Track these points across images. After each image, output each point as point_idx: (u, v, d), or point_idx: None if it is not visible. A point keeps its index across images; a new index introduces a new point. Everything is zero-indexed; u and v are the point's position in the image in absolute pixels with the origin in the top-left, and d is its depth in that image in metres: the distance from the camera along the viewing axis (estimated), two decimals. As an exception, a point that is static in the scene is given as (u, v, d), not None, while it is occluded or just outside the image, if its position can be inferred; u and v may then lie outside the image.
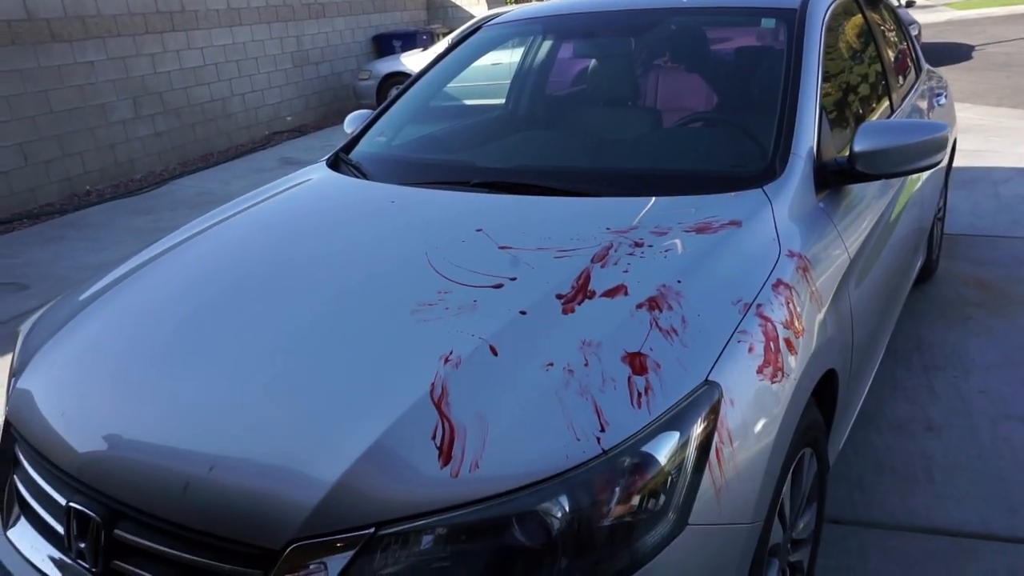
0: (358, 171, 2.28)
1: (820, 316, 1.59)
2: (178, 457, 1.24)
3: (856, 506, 2.20)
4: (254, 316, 1.50)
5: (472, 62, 2.80)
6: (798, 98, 1.98)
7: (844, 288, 1.77)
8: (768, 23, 2.29)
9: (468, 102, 3.36)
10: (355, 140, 2.57)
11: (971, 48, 12.39)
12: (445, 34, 11.77)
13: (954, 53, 12.04)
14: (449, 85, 2.81)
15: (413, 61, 10.15)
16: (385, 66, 10.39)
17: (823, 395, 1.72)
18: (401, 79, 10.13)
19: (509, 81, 3.08)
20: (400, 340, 1.34)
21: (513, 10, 3.00)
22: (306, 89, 10.57)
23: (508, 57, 3.23)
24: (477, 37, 2.83)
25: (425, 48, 10.74)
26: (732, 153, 2.00)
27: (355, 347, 1.34)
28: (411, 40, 11.78)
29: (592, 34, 2.69)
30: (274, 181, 2.39)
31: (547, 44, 2.92)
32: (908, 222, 2.58)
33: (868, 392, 2.32)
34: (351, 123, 2.81)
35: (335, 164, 2.42)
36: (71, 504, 1.29)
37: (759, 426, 1.29)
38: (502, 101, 3.07)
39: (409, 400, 1.20)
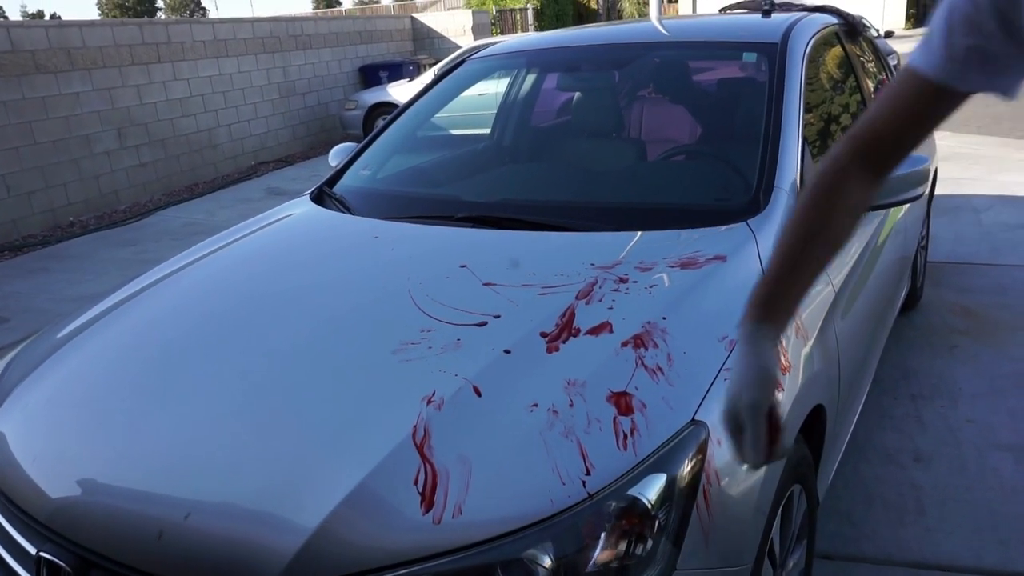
0: (342, 205, 2.27)
1: (806, 351, 1.58)
2: (153, 503, 1.21)
3: (846, 540, 2.17)
4: (233, 356, 1.47)
5: (456, 95, 2.81)
6: (780, 131, 1.99)
7: (830, 321, 1.77)
8: (750, 57, 2.31)
9: (454, 132, 3.37)
10: (339, 173, 2.56)
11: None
12: (431, 65, 11.87)
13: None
14: (435, 116, 2.81)
15: (399, 92, 10.21)
16: (372, 96, 10.45)
17: (811, 430, 1.71)
18: (388, 109, 10.18)
19: (495, 111, 3.09)
20: (382, 381, 1.31)
21: (498, 43, 3.02)
22: (292, 119, 10.60)
23: (495, 87, 3.24)
24: (462, 70, 2.84)
25: (411, 79, 10.82)
26: (716, 187, 2.00)
27: (336, 388, 1.31)
28: (398, 71, 11.86)
29: (576, 68, 2.71)
30: (257, 216, 2.37)
31: (531, 77, 2.93)
32: (892, 251, 2.59)
33: (856, 423, 2.31)
34: (336, 156, 2.80)
35: (319, 198, 2.40)
36: (41, 553, 1.25)
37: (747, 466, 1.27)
38: (488, 131, 3.07)
39: (390, 444, 1.17)
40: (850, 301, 1.96)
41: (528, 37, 3.09)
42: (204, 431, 1.30)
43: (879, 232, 2.38)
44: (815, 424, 1.69)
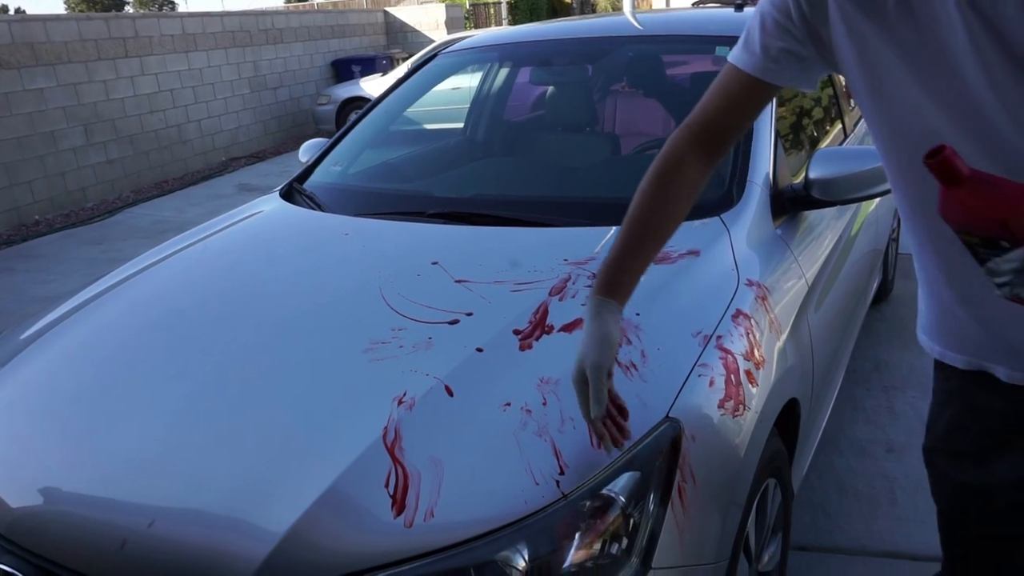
0: (312, 202, 2.23)
1: (780, 345, 1.58)
2: (116, 511, 1.17)
3: (821, 532, 2.19)
4: (199, 357, 1.44)
5: (428, 90, 2.78)
6: (754, 125, 1.98)
7: (803, 315, 1.77)
8: (723, 51, 2.31)
9: (427, 126, 3.34)
10: (310, 169, 2.52)
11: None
12: (405, 59, 11.79)
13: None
14: (407, 110, 2.78)
15: (372, 86, 10.12)
16: (344, 91, 10.35)
17: (785, 423, 1.71)
18: (360, 104, 10.09)
19: (468, 105, 3.06)
20: (352, 381, 1.29)
21: (470, 37, 3.00)
22: (264, 115, 10.47)
23: (468, 81, 3.21)
24: (433, 65, 2.81)
25: (385, 73, 10.74)
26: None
27: (305, 389, 1.29)
28: (370, 65, 11.77)
29: (549, 62, 2.69)
30: (225, 213, 2.33)
31: (504, 71, 2.91)
32: (864, 244, 2.61)
33: (829, 415, 2.32)
34: (306, 152, 2.76)
35: (289, 195, 2.36)
36: (0, 565, 1.21)
37: (722, 461, 1.27)
38: (461, 125, 3.05)
39: (361, 446, 1.15)
40: (823, 295, 1.97)
41: (501, 31, 3.07)
42: (169, 435, 1.27)
43: (851, 225, 2.39)
44: (789, 418, 1.70)
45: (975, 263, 0.92)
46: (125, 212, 7.17)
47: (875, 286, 3.18)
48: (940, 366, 1.19)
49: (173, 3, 61.50)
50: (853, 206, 2.44)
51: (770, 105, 2.06)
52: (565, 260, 1.60)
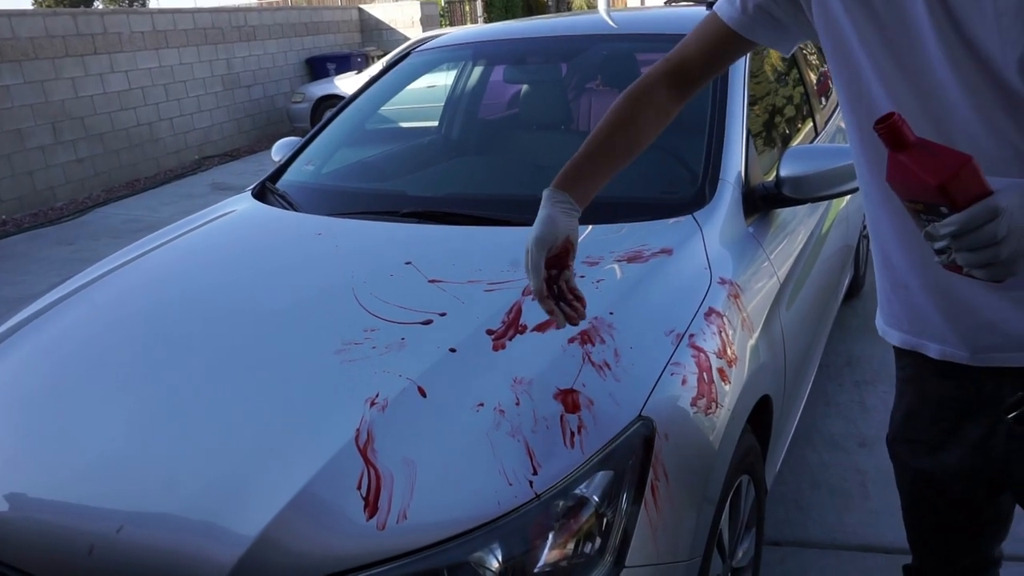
0: (285, 201, 2.21)
1: (752, 342, 1.59)
2: (83, 516, 1.16)
3: (794, 526, 2.21)
4: (168, 359, 1.42)
5: (401, 89, 2.76)
6: (725, 123, 2.00)
7: (775, 312, 1.78)
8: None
9: (402, 124, 3.32)
10: (283, 168, 2.50)
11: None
12: (380, 56, 11.73)
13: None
14: (381, 108, 2.76)
15: (347, 84, 10.06)
16: (319, 89, 10.28)
17: (758, 420, 1.72)
18: (335, 102, 10.02)
19: (442, 103, 3.05)
20: (324, 382, 1.28)
21: (444, 35, 2.99)
22: (237, 112, 10.37)
23: (443, 79, 3.20)
24: (407, 63, 2.80)
25: (360, 71, 10.68)
26: (662, 180, 2.00)
27: (277, 391, 1.28)
28: (345, 63, 11.68)
29: (523, 60, 2.68)
30: (196, 213, 2.30)
31: (478, 70, 2.90)
32: (835, 240, 2.64)
33: (802, 410, 2.35)
34: (279, 151, 2.74)
35: (261, 194, 2.34)
36: (-36, 574, 1.19)
37: (695, 459, 1.28)
38: (435, 123, 3.03)
39: (333, 448, 1.14)
40: (795, 292, 1.99)
41: (475, 29, 3.06)
42: (138, 437, 1.25)
43: (823, 222, 2.42)
44: (762, 414, 1.71)
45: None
46: (96, 212, 7.06)
47: (847, 282, 3.22)
48: (897, 355, 1.22)
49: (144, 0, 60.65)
50: (824, 203, 2.47)
51: (742, 103, 2.08)
52: (539, 259, 1.60)
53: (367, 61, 11.82)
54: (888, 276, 1.13)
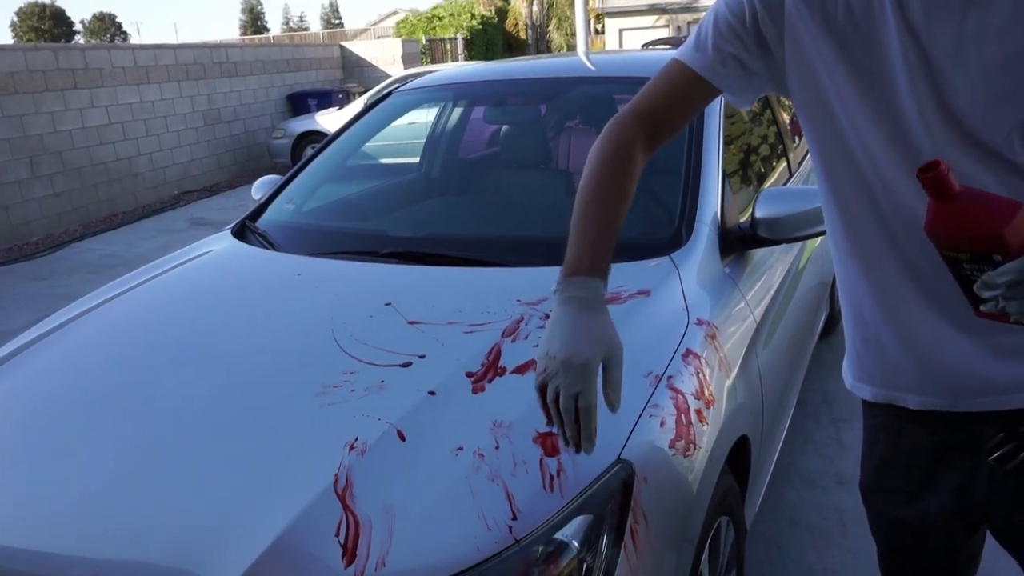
0: (265, 241, 2.21)
1: (729, 383, 1.60)
2: (56, 566, 1.14)
3: (774, 565, 2.21)
4: (145, 402, 1.40)
5: (382, 128, 2.79)
6: (701, 165, 2.03)
7: (752, 352, 1.80)
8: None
9: (382, 160, 3.34)
10: (263, 207, 2.50)
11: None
12: (361, 93, 11.83)
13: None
14: (363, 147, 2.78)
15: (328, 120, 10.12)
16: (300, 125, 10.33)
17: (736, 460, 1.73)
18: (316, 138, 10.07)
19: (422, 140, 3.08)
20: (303, 426, 1.27)
21: (427, 73, 3.03)
22: (218, 148, 10.38)
23: (424, 116, 3.23)
24: (389, 103, 2.83)
25: (341, 107, 10.76)
26: (639, 221, 2.03)
27: (255, 435, 1.27)
28: (327, 99, 11.77)
29: (502, 102, 2.72)
30: (176, 250, 2.29)
31: (459, 110, 2.94)
32: (811, 278, 2.68)
33: (780, 448, 2.36)
34: (259, 188, 2.74)
35: (241, 233, 2.34)
36: (-71, 626, 1.16)
37: (674, 502, 1.28)
38: (415, 160, 3.06)
39: (311, 493, 1.13)
40: (771, 331, 2.01)
41: (456, 70, 3.11)
42: (113, 482, 1.24)
43: (798, 260, 2.46)
44: (741, 454, 1.72)
45: (906, 282, 0.98)
46: (72, 247, 7.00)
47: (823, 319, 3.26)
48: (866, 404, 1.23)
49: (125, 33, 60.88)
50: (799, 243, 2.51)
51: (717, 144, 2.12)
52: (518, 300, 1.61)
53: (348, 97, 11.92)
54: (860, 331, 1.13)
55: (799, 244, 2.48)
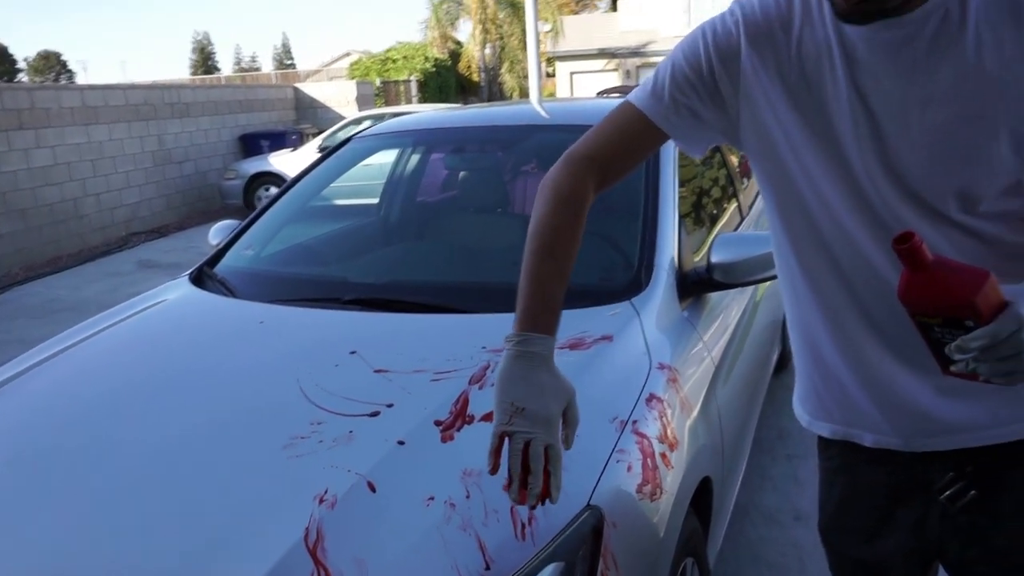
0: (224, 287, 2.19)
1: (691, 425, 1.64)
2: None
3: (737, 604, 2.23)
4: (107, 458, 1.37)
5: (340, 175, 2.81)
6: (658, 210, 2.09)
7: (711, 393, 1.84)
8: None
9: (339, 202, 3.33)
10: (221, 253, 2.48)
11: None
12: (315, 134, 11.82)
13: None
14: (319, 194, 2.79)
15: (282, 161, 10.08)
16: (253, 166, 10.27)
17: (699, 501, 1.75)
18: (269, 179, 10.01)
19: (379, 180, 3.09)
20: (271, 479, 1.26)
21: (381, 113, 3.06)
22: (168, 189, 10.24)
23: (379, 158, 3.23)
24: (347, 149, 2.85)
25: (295, 148, 10.73)
26: (599, 267, 2.07)
27: (222, 489, 1.25)
28: (280, 140, 11.73)
29: (461, 149, 2.77)
30: (131, 299, 2.25)
31: (417, 157, 2.97)
32: (764, 317, 2.75)
33: (739, 486, 2.40)
34: (216, 234, 2.72)
35: (198, 279, 2.31)
36: None
37: (642, 546, 1.30)
38: (373, 200, 3.07)
39: (282, 548, 1.12)
40: (729, 372, 2.06)
41: (414, 116, 3.15)
42: (74, 543, 1.20)
43: (752, 301, 2.53)
44: (703, 495, 1.75)
45: (863, 327, 1.04)
46: (15, 290, 6.79)
47: (776, 357, 3.34)
48: (822, 446, 1.27)
49: (71, 72, 59.90)
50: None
51: (673, 189, 2.18)
52: (483, 348, 1.63)
53: (302, 139, 11.90)
54: (818, 371, 1.17)
55: (747, 288, 2.55)
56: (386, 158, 3.12)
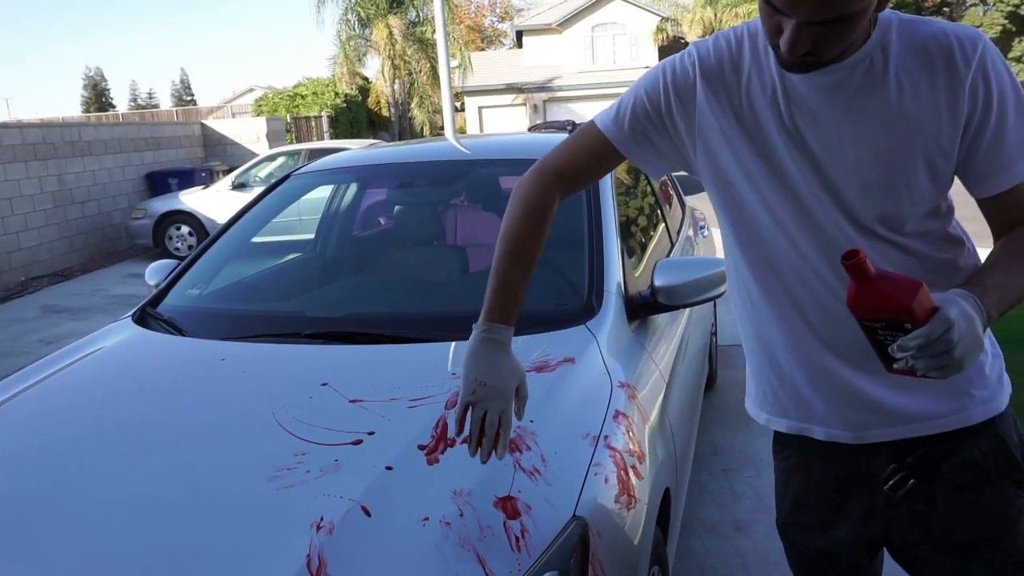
0: (172, 327, 2.16)
1: (650, 438, 1.73)
2: None
3: (690, 613, 2.33)
4: (87, 499, 1.34)
5: (281, 211, 2.82)
6: (603, 238, 2.20)
7: (664, 409, 1.95)
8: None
9: (277, 238, 3.31)
10: (162, 293, 2.44)
11: (707, 179, 14.32)
12: (226, 172, 11.57)
13: (691, 185, 13.83)
14: (260, 231, 2.78)
15: (195, 200, 9.82)
16: (162, 205, 9.96)
17: (660, 512, 1.85)
18: (181, 218, 9.73)
19: (316, 215, 3.10)
20: (265, 511, 1.27)
21: (301, 154, 3.08)
22: (70, 230, 9.80)
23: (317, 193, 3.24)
24: (287, 186, 2.86)
25: (206, 186, 10.47)
26: (554, 292, 2.16)
27: (218, 524, 1.25)
28: (188, 178, 11.43)
29: (408, 184, 2.83)
30: (74, 343, 2.19)
31: (357, 192, 3.01)
32: (696, 340, 2.90)
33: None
34: (154, 275, 2.67)
35: (142, 320, 2.27)
36: None
37: (623, 553, 1.37)
38: (309, 236, 3.08)
39: (286, 576, 1.14)
40: (674, 388, 2.18)
41: (351, 153, 3.19)
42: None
43: (686, 324, 2.67)
44: (663, 506, 1.84)
45: (809, 333, 1.20)
46: (-96, 342, 6.34)
47: (705, 377, 3.50)
48: (777, 448, 1.41)
49: (-50, 111, 56.45)
50: (683, 309, 2.73)
51: (614, 216, 2.31)
52: (453, 374, 1.68)
53: (212, 176, 11.63)
54: (774, 372, 1.30)
55: (682, 312, 2.69)
56: (317, 194, 3.14)
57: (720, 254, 1.45)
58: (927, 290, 0.97)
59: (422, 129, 24.54)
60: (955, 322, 0.95)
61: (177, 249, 9.66)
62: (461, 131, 22.70)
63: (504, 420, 1.18)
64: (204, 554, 1.20)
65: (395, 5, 23.77)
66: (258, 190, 9.14)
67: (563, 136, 2.91)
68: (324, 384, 1.67)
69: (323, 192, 3.11)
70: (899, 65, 1.09)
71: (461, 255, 2.62)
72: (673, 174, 4.10)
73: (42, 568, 1.21)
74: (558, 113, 24.27)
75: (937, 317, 0.96)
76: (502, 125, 25.65)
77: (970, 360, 0.97)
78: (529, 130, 3.42)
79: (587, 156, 1.30)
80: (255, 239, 2.78)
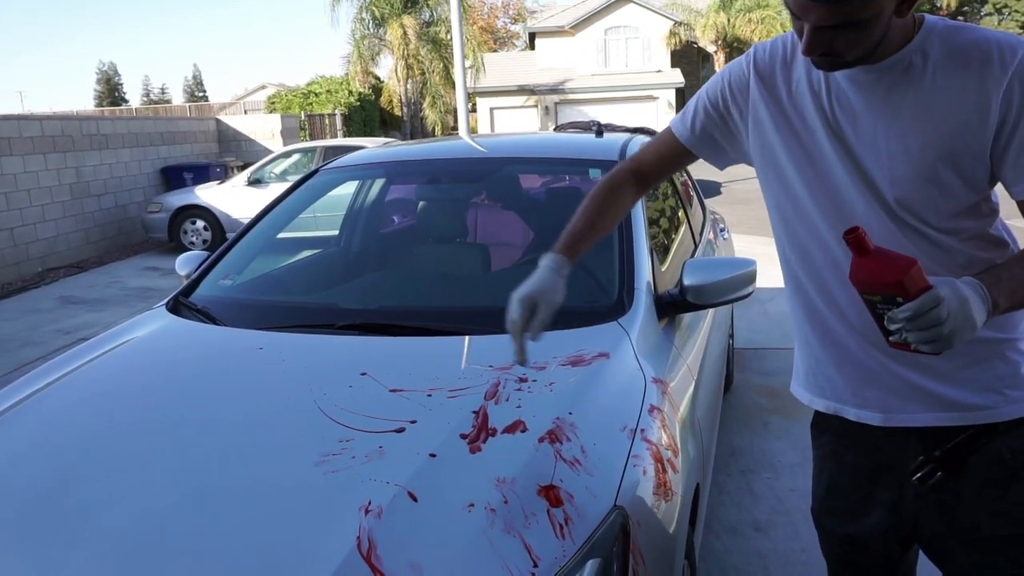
0: (207, 316, 2.20)
1: (684, 434, 1.75)
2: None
3: (711, 611, 2.34)
4: (138, 494, 1.34)
5: (310, 205, 2.85)
6: (633, 238, 2.23)
7: (693, 406, 1.97)
8: (595, 173, 2.58)
9: (305, 234, 3.35)
10: (194, 284, 2.48)
11: (719, 185, 14.33)
12: (240, 167, 11.63)
13: (707, 189, 13.84)
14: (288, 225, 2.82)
15: (210, 195, 9.87)
16: (178, 199, 10.01)
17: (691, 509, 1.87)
18: (197, 213, 9.79)
19: (330, 212, 3.13)
20: (313, 495, 1.30)
21: (317, 151, 3.12)
22: (86, 222, 9.87)
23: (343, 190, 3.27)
24: (315, 180, 2.89)
25: (221, 181, 10.52)
26: (586, 289, 2.18)
27: (267, 508, 1.28)
28: (203, 173, 11.49)
29: (437, 180, 2.85)
30: (109, 330, 2.22)
31: (387, 185, 3.04)
32: (717, 341, 2.92)
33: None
34: (184, 265, 2.71)
35: (175, 309, 2.31)
36: None
37: (661, 544, 1.40)
38: (324, 232, 3.11)
39: (337, 558, 1.16)
40: (700, 387, 2.20)
41: (380, 150, 3.22)
42: (134, 564, 1.20)
43: (709, 325, 2.69)
44: (694, 503, 1.86)
45: (834, 314, 1.27)
46: (-76, 330, 6.40)
47: (723, 379, 3.52)
48: (815, 434, 1.45)
49: (-37, 102, 56.84)
50: (706, 310, 2.75)
51: (643, 217, 2.33)
52: (490, 366, 1.71)
53: (227, 172, 11.69)
54: (810, 353, 1.37)
55: (706, 313, 2.71)
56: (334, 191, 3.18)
57: (739, 255, 1.57)
58: (921, 269, 1.03)
59: (434, 129, 24.60)
60: (945, 299, 1.01)
61: (192, 243, 9.70)
62: (473, 131, 22.76)
63: (545, 318, 1.33)
64: (257, 538, 1.22)
65: (410, 5, 23.86)
66: (274, 186, 9.27)
67: (589, 136, 2.98)
68: (363, 374, 1.70)
69: (341, 189, 3.15)
70: (937, 67, 1.15)
71: (490, 251, 2.65)
72: (696, 179, 4.13)
73: (101, 558, 1.24)
74: (570, 115, 24.31)
75: (928, 294, 1.02)
76: (513, 126, 25.70)
77: (960, 337, 1.03)
78: (555, 130, 3.45)
79: (660, 151, 1.51)
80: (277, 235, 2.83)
